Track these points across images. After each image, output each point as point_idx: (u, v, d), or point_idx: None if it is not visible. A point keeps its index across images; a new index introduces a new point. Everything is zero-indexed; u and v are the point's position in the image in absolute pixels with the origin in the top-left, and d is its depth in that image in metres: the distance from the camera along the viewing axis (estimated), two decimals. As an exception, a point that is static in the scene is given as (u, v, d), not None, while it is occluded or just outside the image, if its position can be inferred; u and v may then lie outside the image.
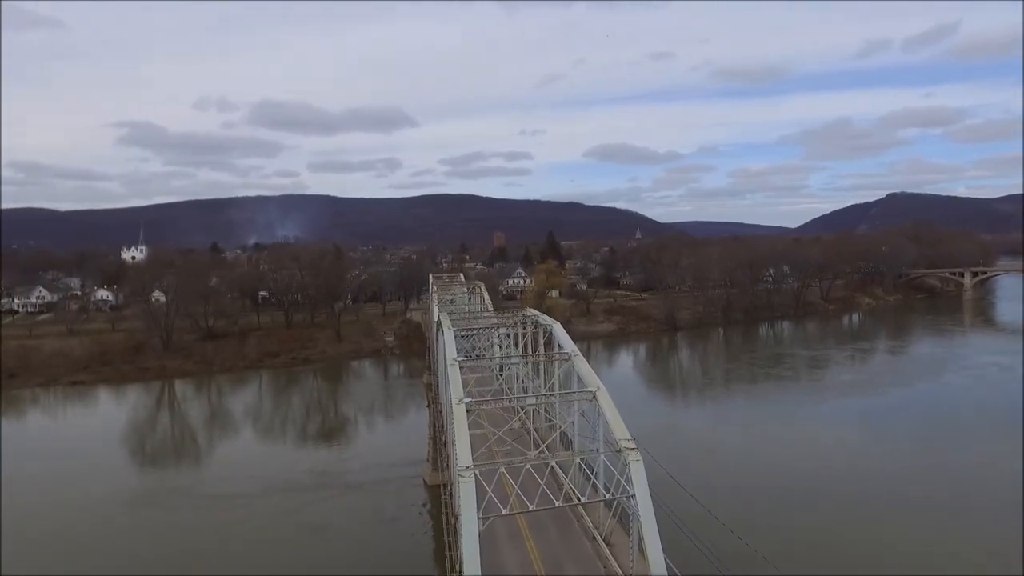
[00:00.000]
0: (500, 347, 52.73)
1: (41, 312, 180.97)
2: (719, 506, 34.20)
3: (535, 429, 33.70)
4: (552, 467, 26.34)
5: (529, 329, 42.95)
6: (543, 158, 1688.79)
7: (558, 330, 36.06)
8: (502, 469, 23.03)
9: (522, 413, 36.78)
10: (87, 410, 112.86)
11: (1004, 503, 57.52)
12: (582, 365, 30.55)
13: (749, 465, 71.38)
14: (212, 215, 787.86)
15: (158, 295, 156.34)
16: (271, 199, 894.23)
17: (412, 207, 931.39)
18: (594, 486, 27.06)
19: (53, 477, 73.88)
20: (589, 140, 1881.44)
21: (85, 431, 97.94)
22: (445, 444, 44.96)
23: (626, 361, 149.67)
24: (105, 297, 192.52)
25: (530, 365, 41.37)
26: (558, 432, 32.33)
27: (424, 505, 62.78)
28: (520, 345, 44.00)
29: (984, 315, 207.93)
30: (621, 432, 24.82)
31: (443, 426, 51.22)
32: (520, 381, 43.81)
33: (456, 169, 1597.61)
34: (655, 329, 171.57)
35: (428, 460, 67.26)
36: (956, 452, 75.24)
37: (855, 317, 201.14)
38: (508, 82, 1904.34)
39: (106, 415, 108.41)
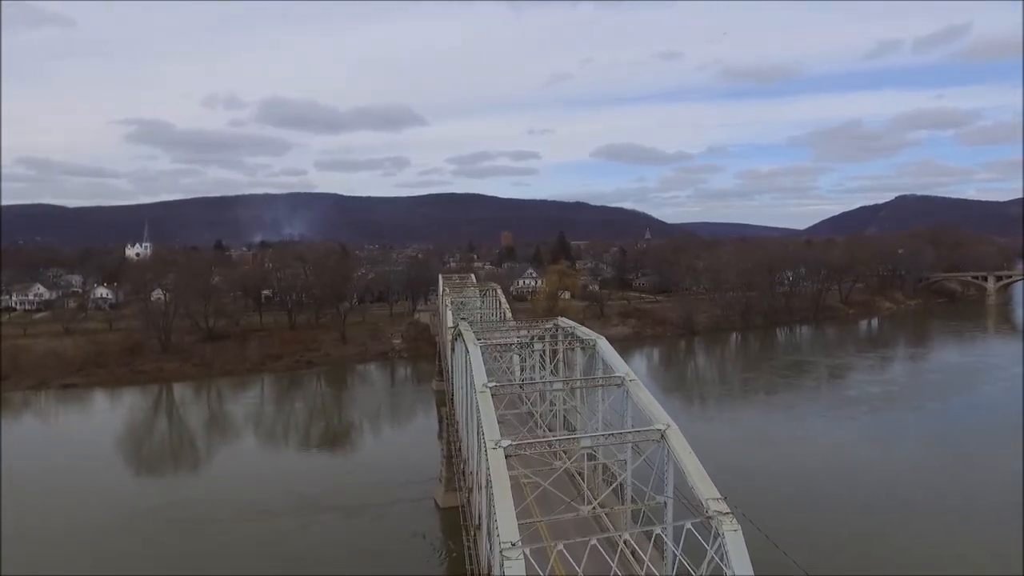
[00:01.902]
0: (523, 360, 46.49)
1: (39, 310, 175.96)
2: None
3: (578, 472, 27.80)
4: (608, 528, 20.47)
5: (562, 343, 36.76)
6: (550, 158, 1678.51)
7: (604, 346, 30.14)
8: (560, 547, 17.32)
9: (566, 457, 30.35)
10: (74, 417, 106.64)
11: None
12: (641, 393, 24.78)
13: (773, 482, 65.60)
14: (219, 213, 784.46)
15: (160, 294, 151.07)
16: (278, 197, 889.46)
17: (419, 206, 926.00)
18: (663, 551, 21.26)
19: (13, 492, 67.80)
20: (597, 140, 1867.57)
21: (69, 440, 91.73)
22: (464, 472, 39.31)
23: (643, 367, 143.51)
24: (105, 295, 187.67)
25: (568, 389, 34.78)
26: (608, 483, 26.24)
27: (438, 540, 55.73)
28: (552, 362, 37.65)
29: (1009, 321, 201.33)
30: (706, 489, 19.10)
31: (459, 448, 45.57)
32: (550, 405, 37.60)
33: (463, 168, 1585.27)
34: (671, 333, 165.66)
35: (440, 480, 61.11)
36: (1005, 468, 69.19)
37: (876, 322, 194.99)
38: (516, 81, 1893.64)
39: (95, 422, 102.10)
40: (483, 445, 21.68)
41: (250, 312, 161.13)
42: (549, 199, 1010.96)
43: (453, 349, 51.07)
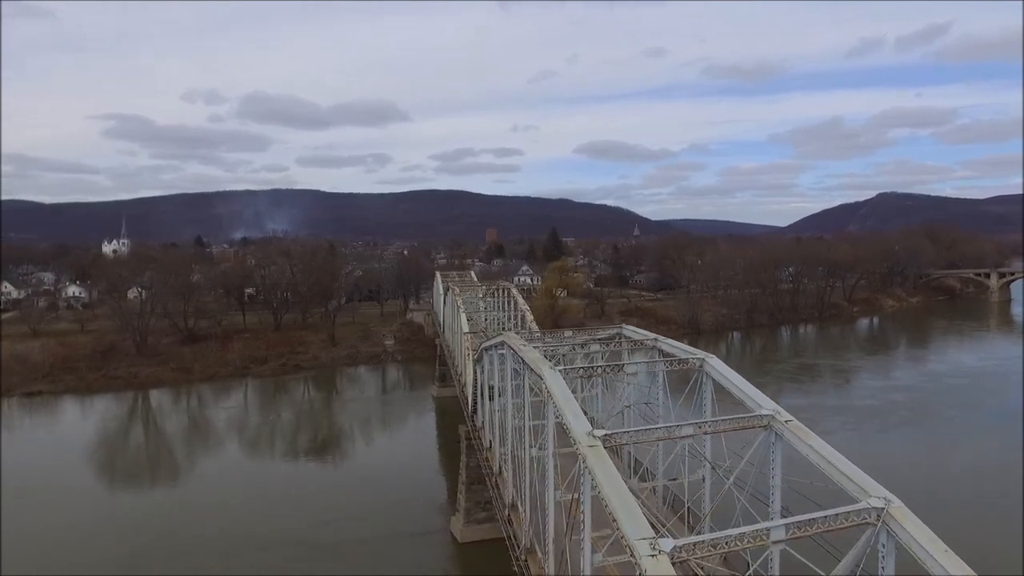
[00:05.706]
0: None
1: (6, 310, 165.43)
2: None
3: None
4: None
5: (642, 363, 27.91)
6: (534, 154, 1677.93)
7: (718, 368, 22.13)
8: None
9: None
10: (32, 430, 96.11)
11: None
12: (812, 442, 17.20)
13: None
14: (199, 209, 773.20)
15: (136, 292, 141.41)
16: (259, 193, 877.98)
17: (401, 202, 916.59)
18: None
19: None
20: (581, 137, 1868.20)
21: (18, 459, 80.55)
22: (513, 521, 31.75)
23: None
24: (78, 294, 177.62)
25: (699, 435, 25.57)
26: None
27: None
28: (624, 385, 29.11)
29: (1012, 320, 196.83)
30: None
31: (496, 484, 37.97)
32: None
33: (446, 165, 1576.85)
34: (675, 333, 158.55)
35: (459, 509, 52.47)
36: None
37: (881, 321, 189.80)
38: (501, 79, 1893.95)
39: (58, 435, 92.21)
40: (617, 537, 14.10)
41: (232, 312, 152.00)
42: (532, 196, 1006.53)
43: (479, 359, 43.48)
